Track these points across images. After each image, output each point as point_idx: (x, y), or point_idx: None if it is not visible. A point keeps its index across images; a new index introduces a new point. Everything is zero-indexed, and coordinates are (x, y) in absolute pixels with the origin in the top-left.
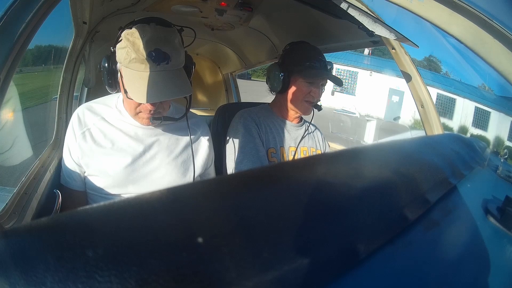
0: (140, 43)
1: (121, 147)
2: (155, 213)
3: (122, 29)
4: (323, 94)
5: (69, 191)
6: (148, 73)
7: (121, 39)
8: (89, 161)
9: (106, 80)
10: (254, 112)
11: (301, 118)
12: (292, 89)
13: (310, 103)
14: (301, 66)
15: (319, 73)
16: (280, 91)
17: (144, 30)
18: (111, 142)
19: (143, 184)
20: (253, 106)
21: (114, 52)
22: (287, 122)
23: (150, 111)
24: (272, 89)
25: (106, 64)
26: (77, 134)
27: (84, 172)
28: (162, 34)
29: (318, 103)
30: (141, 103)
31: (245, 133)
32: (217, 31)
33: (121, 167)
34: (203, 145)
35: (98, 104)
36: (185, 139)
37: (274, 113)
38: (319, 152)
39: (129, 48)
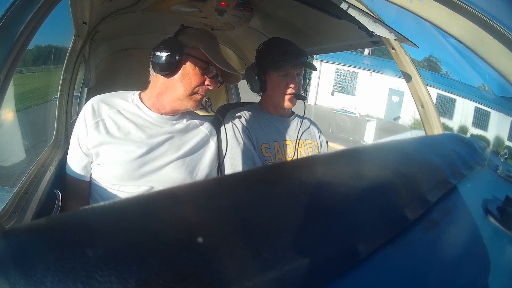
0: None
1: (133, 140)
2: (155, 213)
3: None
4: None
5: (73, 180)
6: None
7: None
8: (100, 151)
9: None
10: (242, 111)
11: (292, 112)
12: (270, 85)
13: (292, 95)
14: (271, 61)
15: (288, 61)
16: (261, 90)
17: None
18: (124, 134)
19: (150, 179)
20: None
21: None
22: (277, 117)
23: (207, 90)
24: (252, 91)
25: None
26: (89, 124)
27: (92, 162)
28: None
29: (303, 94)
30: (204, 83)
31: (227, 137)
32: (217, 31)
33: (131, 158)
34: (211, 146)
35: (114, 97)
36: (195, 139)
37: (264, 110)
38: (315, 144)
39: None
